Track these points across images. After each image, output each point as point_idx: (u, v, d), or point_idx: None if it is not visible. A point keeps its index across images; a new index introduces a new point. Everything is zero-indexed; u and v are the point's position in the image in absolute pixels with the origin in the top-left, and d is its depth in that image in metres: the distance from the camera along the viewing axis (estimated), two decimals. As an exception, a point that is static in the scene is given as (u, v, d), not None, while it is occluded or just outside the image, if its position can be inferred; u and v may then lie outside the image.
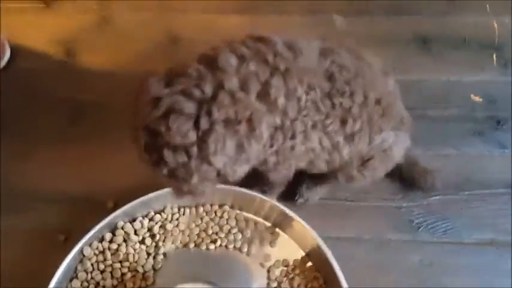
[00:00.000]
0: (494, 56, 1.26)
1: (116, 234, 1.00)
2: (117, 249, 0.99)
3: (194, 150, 0.68)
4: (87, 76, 1.26)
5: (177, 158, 0.68)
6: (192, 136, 0.67)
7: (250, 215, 1.05)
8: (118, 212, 0.98)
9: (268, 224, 1.04)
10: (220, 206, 1.05)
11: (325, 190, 1.08)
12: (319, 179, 1.04)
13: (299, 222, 0.97)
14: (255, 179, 0.95)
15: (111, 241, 1.00)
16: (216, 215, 1.05)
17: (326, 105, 0.79)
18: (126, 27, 1.34)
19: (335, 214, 1.08)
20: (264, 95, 0.73)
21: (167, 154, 0.68)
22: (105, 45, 1.31)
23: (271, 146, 0.79)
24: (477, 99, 1.20)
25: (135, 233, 1.01)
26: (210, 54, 0.73)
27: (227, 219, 1.05)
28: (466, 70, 1.24)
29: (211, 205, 1.05)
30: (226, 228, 1.04)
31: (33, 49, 1.30)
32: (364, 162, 0.91)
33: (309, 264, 1.01)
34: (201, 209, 1.05)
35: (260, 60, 0.74)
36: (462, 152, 1.14)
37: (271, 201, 1.00)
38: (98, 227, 0.97)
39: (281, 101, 0.75)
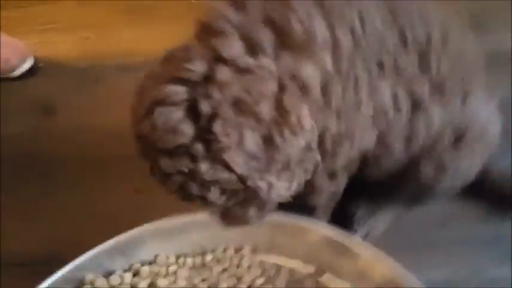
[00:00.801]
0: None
1: (84, 293, 0.66)
2: (81, 315, 0.63)
3: (198, 148, 0.47)
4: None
5: (176, 164, 0.48)
6: (188, 129, 0.46)
7: (282, 258, 0.72)
8: (82, 259, 0.66)
9: (312, 269, 0.70)
10: (237, 250, 0.72)
11: (390, 215, 0.77)
12: (381, 196, 0.75)
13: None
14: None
15: (73, 303, 0.65)
16: (231, 263, 0.71)
17: (392, 36, 0.56)
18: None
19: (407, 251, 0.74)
20: (289, 44, 0.51)
21: (164, 163, 0.48)
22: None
23: (327, 104, 0.55)
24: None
25: (112, 290, 0.67)
26: (204, 21, 0.53)
27: (248, 268, 0.71)
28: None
29: (224, 250, 0.72)
30: (247, 279, 0.70)
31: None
32: (457, 140, 0.64)
33: None
34: (208, 257, 0.72)
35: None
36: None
37: (319, 228, 0.68)
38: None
39: (324, 35, 0.52)
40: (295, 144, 0.49)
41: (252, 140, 0.47)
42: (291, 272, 0.70)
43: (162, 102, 0.47)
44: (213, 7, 0.53)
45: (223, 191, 0.50)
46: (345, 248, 0.67)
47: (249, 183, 0.48)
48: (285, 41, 0.51)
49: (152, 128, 0.47)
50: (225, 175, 0.48)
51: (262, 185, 0.49)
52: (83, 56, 1.14)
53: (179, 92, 0.47)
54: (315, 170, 0.56)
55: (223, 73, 0.47)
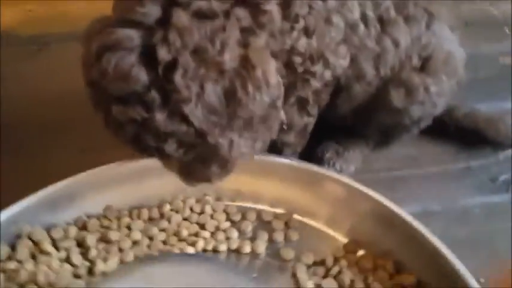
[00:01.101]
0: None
1: (18, 246, 0.57)
2: (17, 270, 0.54)
3: (154, 96, 0.43)
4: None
5: (129, 112, 0.44)
6: (142, 75, 0.43)
7: (248, 205, 0.65)
8: (16, 209, 0.57)
9: (281, 211, 0.64)
10: (199, 200, 0.65)
11: (360, 156, 0.73)
12: (350, 134, 0.73)
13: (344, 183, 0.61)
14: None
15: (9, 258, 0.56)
16: (192, 211, 0.64)
17: None
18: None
19: (382, 188, 0.67)
20: None
21: (115, 111, 0.44)
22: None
23: (296, 21, 0.52)
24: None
25: (54, 245, 0.58)
26: None
27: (211, 215, 0.64)
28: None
29: (183, 201, 0.65)
30: (211, 225, 0.63)
31: None
32: (424, 62, 0.64)
33: (361, 252, 0.59)
34: (166, 207, 0.64)
35: None
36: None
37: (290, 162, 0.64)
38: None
39: None
40: (259, 100, 0.45)
41: (213, 93, 0.43)
42: (258, 214, 0.64)
43: (112, 46, 0.42)
44: None
45: (180, 144, 0.46)
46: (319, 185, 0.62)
47: (209, 139, 0.45)
48: None
49: (102, 73, 0.43)
50: (182, 128, 0.44)
51: (223, 141, 0.45)
52: (26, 26, 1.06)
53: (132, 36, 0.43)
54: (280, 129, 0.54)
55: (182, 18, 0.43)
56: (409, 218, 0.57)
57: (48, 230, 0.59)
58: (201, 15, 0.44)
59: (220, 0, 0.45)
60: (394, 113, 0.66)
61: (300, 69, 0.57)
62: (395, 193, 0.66)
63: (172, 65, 0.42)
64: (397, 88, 0.64)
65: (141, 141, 0.46)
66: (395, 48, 0.62)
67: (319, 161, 0.71)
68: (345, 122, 0.71)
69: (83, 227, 0.61)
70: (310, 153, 0.72)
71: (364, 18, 0.59)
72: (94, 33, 0.44)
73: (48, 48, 0.99)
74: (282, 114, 0.50)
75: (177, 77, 0.42)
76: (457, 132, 0.76)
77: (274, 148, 0.66)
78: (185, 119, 0.43)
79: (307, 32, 0.54)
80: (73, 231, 0.60)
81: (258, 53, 0.45)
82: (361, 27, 0.59)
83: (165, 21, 0.43)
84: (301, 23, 0.53)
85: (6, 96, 0.89)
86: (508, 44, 0.95)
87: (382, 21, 0.61)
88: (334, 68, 0.59)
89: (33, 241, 0.57)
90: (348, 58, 0.59)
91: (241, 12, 0.46)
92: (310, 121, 0.65)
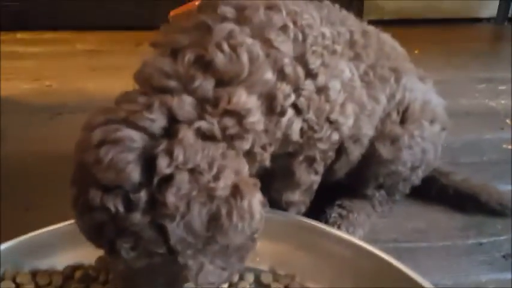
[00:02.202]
0: None
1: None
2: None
3: (141, 198, 0.42)
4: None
5: (107, 201, 0.42)
6: (135, 175, 0.42)
7: (248, 265, 0.62)
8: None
9: (281, 273, 0.61)
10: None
11: (367, 219, 0.72)
12: (353, 198, 0.73)
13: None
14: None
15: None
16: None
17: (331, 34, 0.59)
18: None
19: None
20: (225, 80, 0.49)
21: (93, 194, 0.42)
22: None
23: (282, 114, 0.54)
24: None
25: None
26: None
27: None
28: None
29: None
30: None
31: None
32: (404, 113, 0.69)
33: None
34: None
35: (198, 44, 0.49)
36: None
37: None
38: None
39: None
40: (240, 229, 0.44)
41: (198, 216, 0.42)
42: (257, 276, 0.60)
43: (114, 141, 0.43)
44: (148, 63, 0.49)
45: (135, 247, 0.43)
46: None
47: (179, 258, 0.43)
48: (221, 80, 0.48)
49: (97, 161, 0.42)
50: (157, 239, 0.42)
51: (193, 264, 0.44)
52: (44, 98, 1.11)
53: (135, 138, 0.43)
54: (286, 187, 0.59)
55: (188, 135, 0.44)
56: (426, 284, 0.53)
57: (34, 274, 0.56)
58: (203, 136, 0.45)
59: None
60: (386, 164, 0.68)
61: (302, 140, 0.58)
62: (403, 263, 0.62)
63: (168, 178, 0.42)
64: (382, 142, 0.67)
65: (101, 230, 0.43)
66: (378, 106, 0.65)
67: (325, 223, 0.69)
68: (340, 182, 0.71)
69: (71, 276, 0.57)
70: (315, 217, 0.69)
71: (354, 77, 0.61)
72: (98, 124, 0.44)
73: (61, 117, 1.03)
74: (255, 245, 0.49)
75: (170, 194, 0.41)
76: (455, 195, 0.76)
77: (278, 207, 0.64)
78: (164, 233, 0.42)
79: (302, 112, 0.55)
80: (59, 279, 0.56)
81: (247, 185, 0.45)
82: (358, 82, 0.61)
83: (168, 133, 0.44)
84: (288, 114, 0.54)
85: (7, 153, 0.91)
86: (509, 133, 0.98)
87: (364, 83, 0.64)
88: (342, 128, 0.60)
89: (17, 284, 0.54)
90: (353, 116, 0.61)
91: (228, 122, 0.47)
92: (316, 179, 0.64)
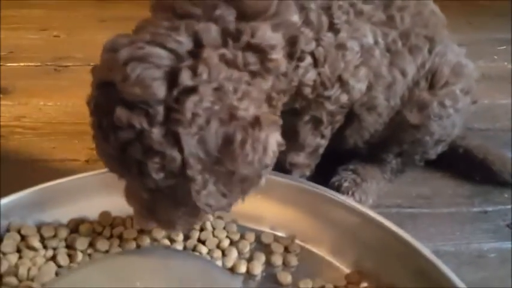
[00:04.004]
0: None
1: (5, 238, 0.54)
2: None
3: (160, 111, 0.43)
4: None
5: (132, 118, 0.42)
6: (160, 90, 0.43)
7: (250, 226, 0.62)
8: (6, 201, 0.55)
9: (282, 234, 0.61)
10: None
11: (376, 188, 0.71)
12: (366, 165, 0.72)
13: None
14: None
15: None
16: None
17: None
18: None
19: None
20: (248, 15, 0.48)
21: (119, 112, 0.43)
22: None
23: (301, 59, 0.54)
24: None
25: (43, 242, 0.56)
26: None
27: (212, 232, 0.61)
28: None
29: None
30: (211, 243, 0.59)
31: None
32: (432, 80, 0.64)
33: (364, 284, 0.55)
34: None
35: None
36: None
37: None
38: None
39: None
40: (250, 160, 0.44)
41: (214, 132, 0.43)
42: (258, 237, 0.61)
43: (141, 58, 0.43)
44: None
45: (162, 168, 0.44)
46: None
47: (189, 171, 0.43)
48: (244, 13, 0.48)
49: (124, 77, 0.43)
50: (172, 152, 0.43)
51: (199, 179, 0.44)
52: (50, 48, 1.10)
53: (162, 56, 0.44)
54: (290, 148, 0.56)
55: (212, 56, 0.44)
56: (426, 252, 0.53)
57: (39, 227, 0.57)
58: (227, 63, 0.45)
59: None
60: (413, 130, 0.65)
61: (312, 96, 0.57)
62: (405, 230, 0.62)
63: (189, 91, 0.42)
64: (410, 109, 0.64)
65: (126, 152, 0.44)
66: (404, 78, 0.62)
67: (336, 190, 0.68)
68: (360, 151, 0.70)
69: (75, 230, 0.59)
70: (324, 180, 0.69)
71: (377, 45, 0.59)
72: (121, 45, 0.44)
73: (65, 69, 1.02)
74: (262, 182, 0.48)
75: (189, 102, 0.42)
76: (466, 158, 0.74)
77: (282, 169, 0.64)
78: (177, 144, 0.42)
79: (317, 63, 0.55)
80: (64, 232, 0.58)
81: (268, 120, 0.46)
82: (377, 51, 0.59)
83: (196, 54, 0.44)
84: (307, 60, 0.54)
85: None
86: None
87: (391, 52, 0.61)
88: (352, 91, 0.59)
89: (22, 236, 0.55)
90: (366, 82, 0.59)
91: (251, 58, 0.47)
92: (322, 143, 0.63)
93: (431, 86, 0.64)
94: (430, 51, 0.63)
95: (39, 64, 1.04)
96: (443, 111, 0.64)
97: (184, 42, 0.44)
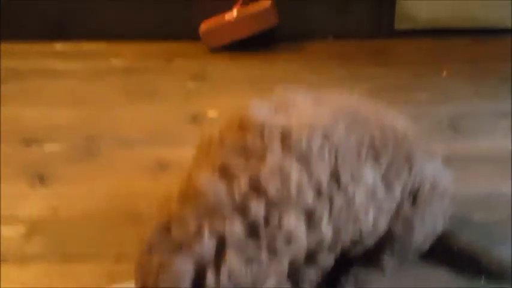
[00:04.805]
0: None
1: None
2: None
3: None
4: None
5: None
6: None
7: None
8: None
9: None
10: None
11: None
12: (366, 267, 0.78)
13: None
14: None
15: None
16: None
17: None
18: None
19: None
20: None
21: None
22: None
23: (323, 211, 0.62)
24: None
25: None
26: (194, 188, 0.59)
27: None
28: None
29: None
30: None
31: None
32: (414, 197, 0.73)
33: None
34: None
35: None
36: None
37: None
38: None
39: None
40: None
41: None
42: None
43: (169, 271, 0.53)
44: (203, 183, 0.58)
45: None
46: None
47: None
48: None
49: (155, 284, 0.53)
50: None
51: None
52: (81, 128, 1.17)
53: (187, 269, 0.53)
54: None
55: (233, 260, 0.53)
56: None
57: None
58: (248, 260, 0.54)
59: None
60: (399, 240, 0.74)
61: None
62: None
63: None
64: (396, 224, 0.72)
65: None
66: (393, 203, 0.71)
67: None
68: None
69: None
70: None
71: (375, 180, 0.67)
72: (155, 249, 0.55)
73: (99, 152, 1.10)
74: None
75: None
76: (457, 255, 0.81)
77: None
78: None
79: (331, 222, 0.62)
80: None
81: None
82: (380, 191, 0.67)
83: (219, 258, 0.53)
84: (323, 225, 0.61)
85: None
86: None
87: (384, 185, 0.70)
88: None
89: None
90: (371, 221, 0.68)
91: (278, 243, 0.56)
92: (320, 273, 0.69)
93: (414, 201, 0.73)
94: (409, 171, 0.71)
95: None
96: (424, 219, 0.73)
97: (208, 249, 0.53)
